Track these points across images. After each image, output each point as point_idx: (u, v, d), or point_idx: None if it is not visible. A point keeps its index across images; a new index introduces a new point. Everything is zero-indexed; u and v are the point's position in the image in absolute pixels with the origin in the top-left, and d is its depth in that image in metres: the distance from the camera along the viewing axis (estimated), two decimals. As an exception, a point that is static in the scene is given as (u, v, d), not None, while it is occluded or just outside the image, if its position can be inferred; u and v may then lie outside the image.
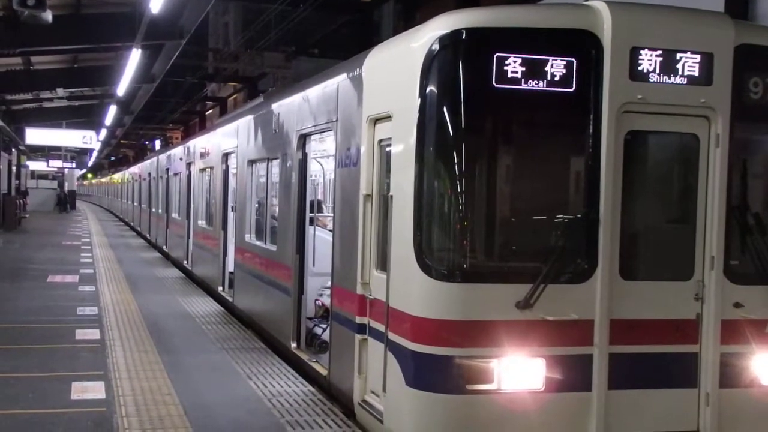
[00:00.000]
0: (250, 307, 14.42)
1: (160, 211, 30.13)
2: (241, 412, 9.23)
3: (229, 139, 16.66)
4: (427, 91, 7.24)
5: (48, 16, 16.68)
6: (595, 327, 7.22)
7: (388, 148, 8.15)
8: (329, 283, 10.09)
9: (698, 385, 7.54)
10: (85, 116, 46.55)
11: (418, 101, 7.29)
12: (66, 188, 73.89)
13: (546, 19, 7.28)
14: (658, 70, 7.29)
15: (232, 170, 16.95)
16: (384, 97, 8.30)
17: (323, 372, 10.05)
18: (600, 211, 7.18)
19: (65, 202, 70.48)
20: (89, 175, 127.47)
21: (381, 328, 8.03)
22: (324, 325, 11.50)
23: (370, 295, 8.40)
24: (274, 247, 12.70)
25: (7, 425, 8.62)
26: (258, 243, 13.95)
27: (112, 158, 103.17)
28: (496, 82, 7.01)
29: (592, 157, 7.23)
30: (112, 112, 41.65)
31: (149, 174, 35.27)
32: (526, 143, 7.66)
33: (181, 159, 24.69)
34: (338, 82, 9.73)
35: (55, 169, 73.53)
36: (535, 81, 7.07)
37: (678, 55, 7.33)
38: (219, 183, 17.79)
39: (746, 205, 7.70)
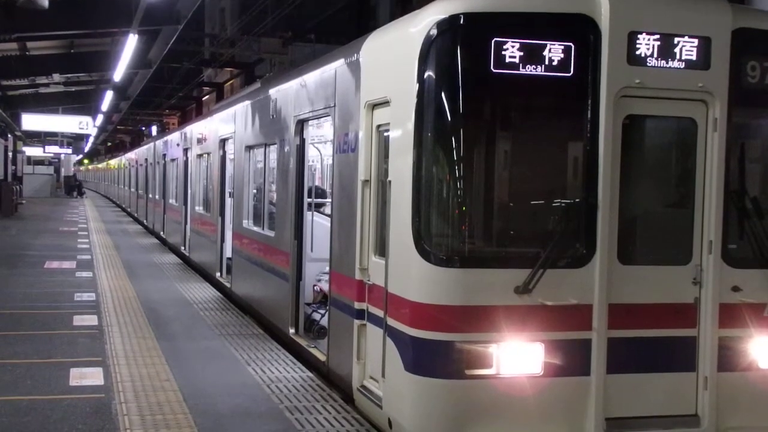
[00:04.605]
0: (248, 293, 14.42)
1: (157, 197, 30.09)
2: (240, 398, 9.24)
3: (227, 124, 16.62)
4: (425, 76, 7.22)
5: (44, 1, 16.65)
6: (594, 312, 7.23)
7: (386, 134, 8.13)
8: (327, 269, 10.09)
9: (697, 369, 7.56)
10: (81, 102, 46.53)
11: (417, 86, 7.27)
12: (63, 172, 74.06)
13: (544, 4, 7.25)
14: (655, 55, 7.28)
15: (229, 156, 16.92)
16: (382, 83, 8.28)
17: (322, 358, 10.05)
18: (598, 195, 7.18)
19: (76, 187, 70.75)
20: (86, 161, 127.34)
21: (380, 313, 8.03)
22: (322, 311, 11.49)
23: (369, 280, 8.40)
24: (272, 233, 12.69)
25: (5, 411, 8.62)
26: (256, 229, 13.94)
27: (109, 144, 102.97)
28: (494, 67, 7.00)
29: (591, 141, 7.22)
30: (108, 98, 41.60)
31: (146, 160, 35.19)
32: (524, 128, 7.65)
33: (178, 145, 24.64)
34: (336, 67, 9.70)
35: (51, 155, 73.48)
36: (533, 66, 7.06)
37: (676, 40, 7.32)
38: (216, 169, 17.76)
39: (744, 189, 7.70)
